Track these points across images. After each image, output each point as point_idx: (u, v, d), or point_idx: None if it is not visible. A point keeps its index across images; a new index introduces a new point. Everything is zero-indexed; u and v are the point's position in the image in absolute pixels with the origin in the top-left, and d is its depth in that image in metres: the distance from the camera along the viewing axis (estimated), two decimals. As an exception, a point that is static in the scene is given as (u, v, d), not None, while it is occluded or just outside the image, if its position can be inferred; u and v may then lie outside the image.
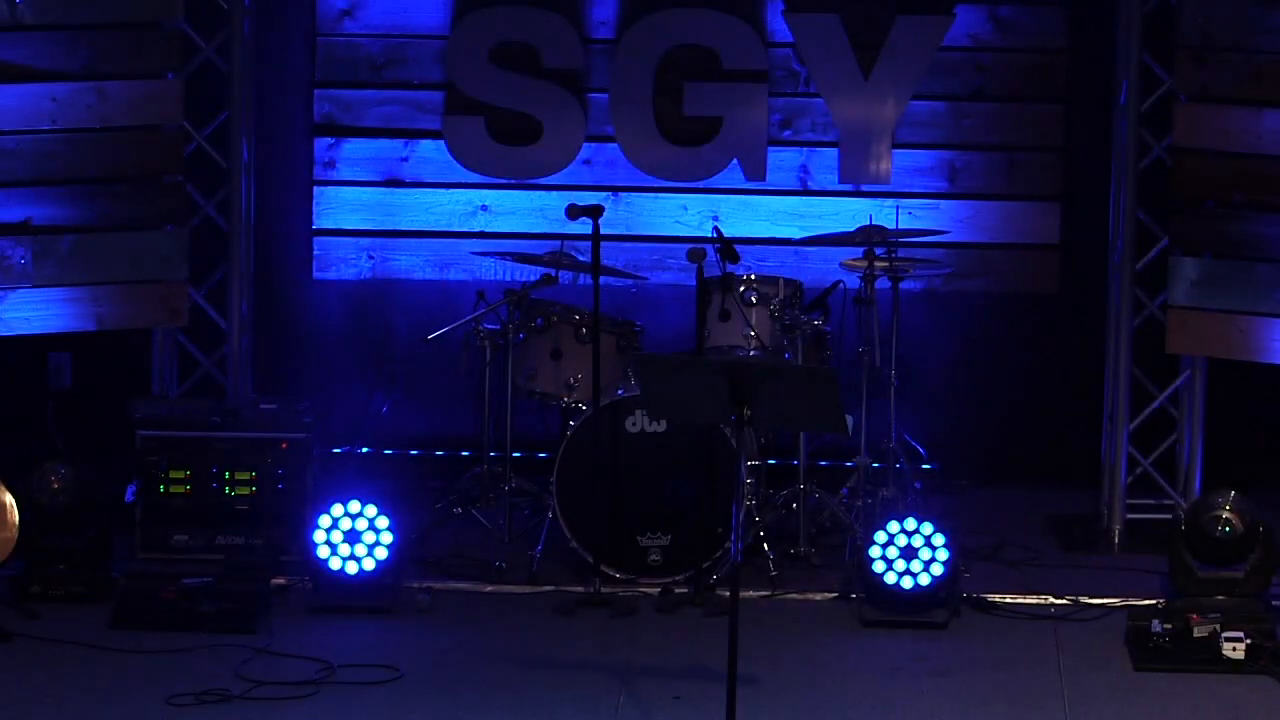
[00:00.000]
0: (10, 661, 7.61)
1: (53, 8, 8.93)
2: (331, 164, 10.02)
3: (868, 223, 9.09)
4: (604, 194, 9.74)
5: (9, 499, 8.08)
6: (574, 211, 8.33)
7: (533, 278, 9.06)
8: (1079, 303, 9.90)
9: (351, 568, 8.24)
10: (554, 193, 9.83)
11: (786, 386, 6.11)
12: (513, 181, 9.97)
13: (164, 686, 7.28)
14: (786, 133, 9.88)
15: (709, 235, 8.91)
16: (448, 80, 9.91)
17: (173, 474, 8.80)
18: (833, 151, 9.85)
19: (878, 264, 8.97)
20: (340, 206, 10.05)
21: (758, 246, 9.83)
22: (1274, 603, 8.07)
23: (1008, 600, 8.38)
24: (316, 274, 10.10)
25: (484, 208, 10.02)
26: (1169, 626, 7.74)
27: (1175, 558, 8.18)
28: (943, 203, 9.92)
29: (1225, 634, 7.67)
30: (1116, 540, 9.34)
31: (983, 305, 10.02)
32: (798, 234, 9.80)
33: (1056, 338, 10.01)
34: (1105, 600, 8.37)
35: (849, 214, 9.67)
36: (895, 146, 9.83)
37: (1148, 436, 9.46)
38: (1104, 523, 9.42)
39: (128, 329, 9.37)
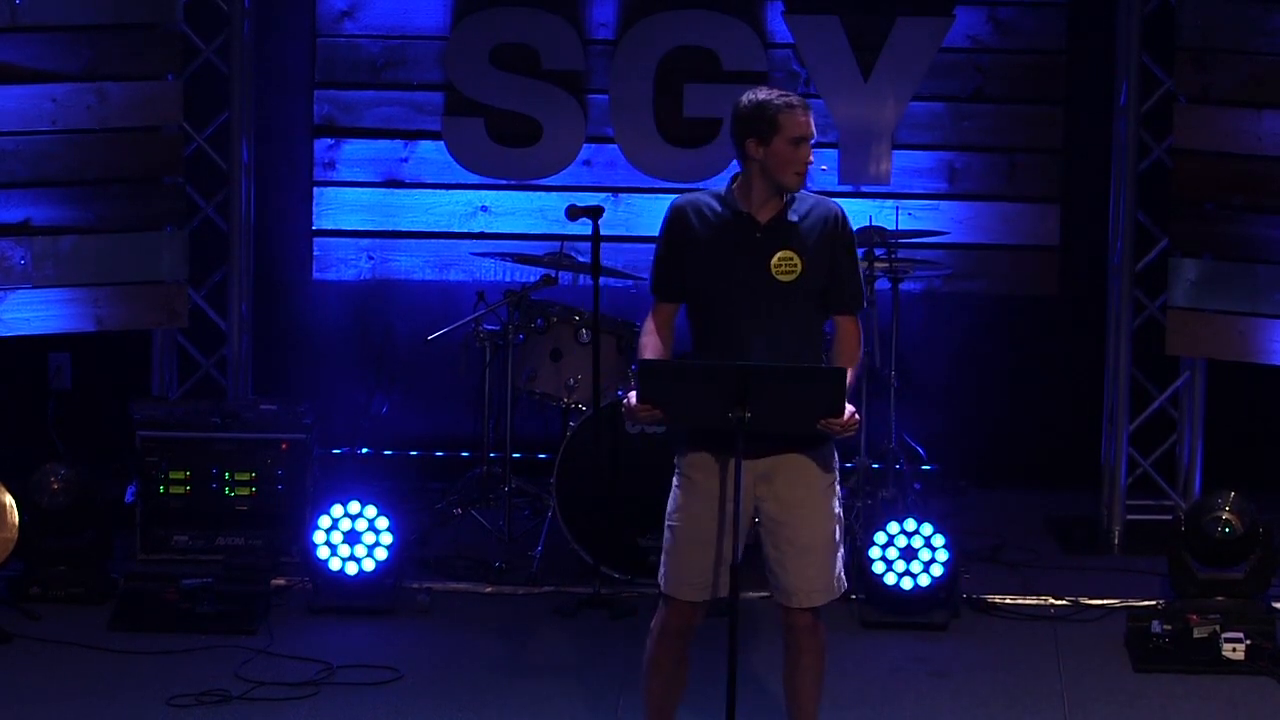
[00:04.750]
0: (10, 662, 7.61)
1: (53, 8, 8.93)
2: (331, 165, 10.02)
3: (867, 223, 9.08)
4: (604, 195, 9.73)
5: (9, 500, 8.07)
6: (574, 212, 8.31)
7: (532, 279, 9.05)
8: (1079, 304, 9.90)
9: (351, 568, 8.24)
10: (554, 193, 9.83)
11: (787, 386, 6.10)
12: (512, 182, 9.97)
13: (164, 687, 7.28)
14: (786, 134, 9.85)
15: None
16: (447, 81, 9.91)
17: (172, 475, 8.79)
18: (833, 153, 9.84)
19: (878, 265, 8.97)
20: (340, 207, 10.05)
21: (757, 247, 9.81)
22: (1274, 604, 8.07)
23: (1008, 601, 8.38)
24: (316, 275, 10.10)
25: (484, 208, 10.02)
26: (1169, 628, 7.74)
27: (1175, 559, 8.18)
28: (942, 204, 9.92)
29: (1225, 635, 7.67)
30: (1116, 541, 9.34)
31: (983, 306, 10.03)
32: (797, 235, 9.79)
33: (1056, 339, 10.01)
34: (1105, 601, 8.37)
35: (849, 215, 9.63)
36: (895, 147, 9.83)
37: (1147, 437, 9.46)
38: (1104, 524, 9.42)
39: (127, 330, 9.37)
